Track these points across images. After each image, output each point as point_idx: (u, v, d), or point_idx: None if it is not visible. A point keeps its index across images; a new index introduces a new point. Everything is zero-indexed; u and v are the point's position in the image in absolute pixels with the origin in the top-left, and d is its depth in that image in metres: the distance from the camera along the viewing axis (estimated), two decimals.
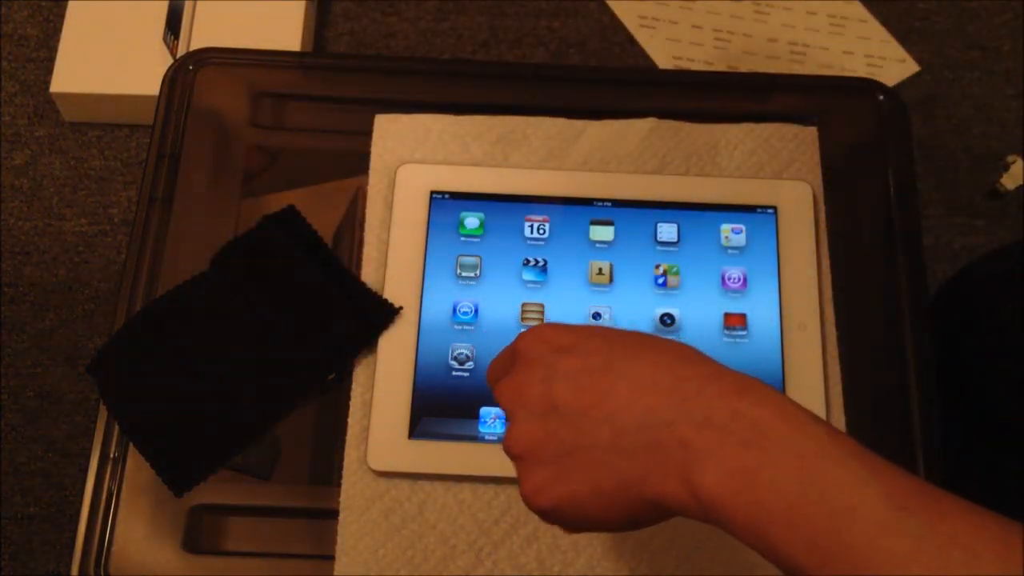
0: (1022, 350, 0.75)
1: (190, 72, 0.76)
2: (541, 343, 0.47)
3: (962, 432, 0.70)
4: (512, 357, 0.48)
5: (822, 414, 0.64)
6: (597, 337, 0.46)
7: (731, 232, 0.70)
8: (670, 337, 0.57)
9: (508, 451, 0.46)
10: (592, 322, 0.67)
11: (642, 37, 1.55)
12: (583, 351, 0.45)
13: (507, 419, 0.47)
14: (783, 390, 0.66)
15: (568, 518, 0.44)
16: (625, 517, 0.43)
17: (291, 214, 0.70)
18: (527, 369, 0.46)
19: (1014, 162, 1.47)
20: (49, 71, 1.45)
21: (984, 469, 0.78)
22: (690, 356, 0.44)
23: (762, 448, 0.39)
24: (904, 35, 1.56)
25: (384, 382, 0.65)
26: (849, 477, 0.38)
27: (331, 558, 0.62)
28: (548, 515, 0.45)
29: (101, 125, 1.48)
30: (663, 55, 1.54)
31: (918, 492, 0.38)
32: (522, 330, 0.66)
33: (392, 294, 0.68)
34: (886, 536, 0.36)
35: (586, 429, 0.43)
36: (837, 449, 0.39)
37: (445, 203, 0.70)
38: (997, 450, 0.79)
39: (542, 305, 0.68)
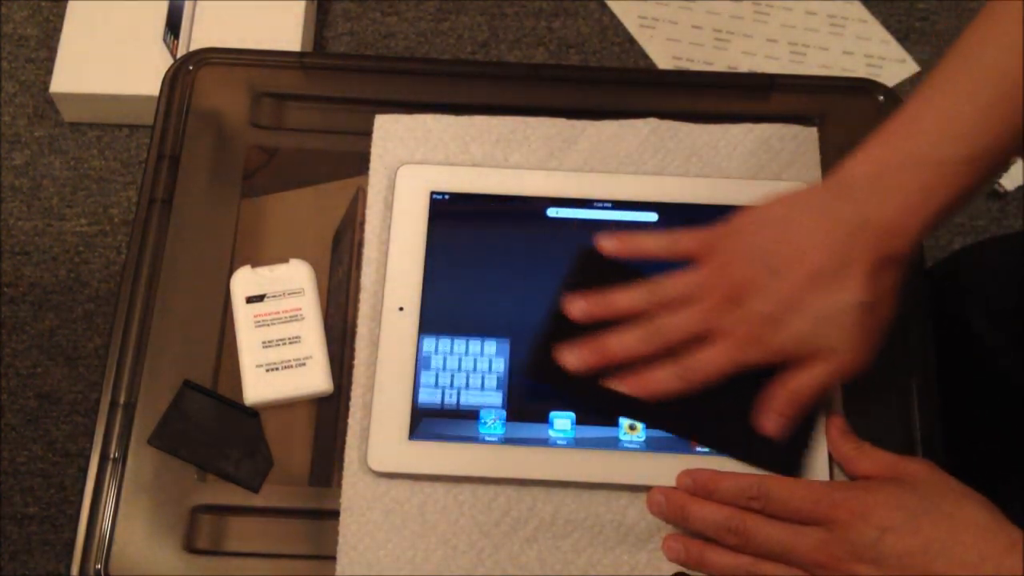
0: (1018, 343, 0.75)
1: (190, 72, 0.76)
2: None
3: (962, 430, 0.70)
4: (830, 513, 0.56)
5: (821, 413, 0.64)
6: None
7: None
8: None
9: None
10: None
11: (642, 37, 1.55)
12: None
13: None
14: None
15: None
16: None
17: None
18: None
19: (1014, 162, 1.47)
20: (49, 71, 1.45)
21: (984, 468, 0.78)
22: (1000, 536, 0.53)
23: None
24: (904, 35, 1.56)
25: (384, 383, 0.65)
26: None
27: (332, 559, 0.62)
28: None
29: (101, 125, 1.48)
30: (663, 55, 1.54)
31: None
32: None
33: (392, 294, 0.68)
34: None
35: None
36: None
37: (445, 203, 0.70)
38: (996, 448, 0.79)
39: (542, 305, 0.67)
